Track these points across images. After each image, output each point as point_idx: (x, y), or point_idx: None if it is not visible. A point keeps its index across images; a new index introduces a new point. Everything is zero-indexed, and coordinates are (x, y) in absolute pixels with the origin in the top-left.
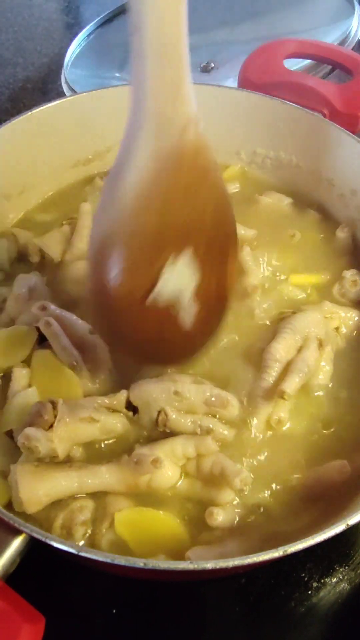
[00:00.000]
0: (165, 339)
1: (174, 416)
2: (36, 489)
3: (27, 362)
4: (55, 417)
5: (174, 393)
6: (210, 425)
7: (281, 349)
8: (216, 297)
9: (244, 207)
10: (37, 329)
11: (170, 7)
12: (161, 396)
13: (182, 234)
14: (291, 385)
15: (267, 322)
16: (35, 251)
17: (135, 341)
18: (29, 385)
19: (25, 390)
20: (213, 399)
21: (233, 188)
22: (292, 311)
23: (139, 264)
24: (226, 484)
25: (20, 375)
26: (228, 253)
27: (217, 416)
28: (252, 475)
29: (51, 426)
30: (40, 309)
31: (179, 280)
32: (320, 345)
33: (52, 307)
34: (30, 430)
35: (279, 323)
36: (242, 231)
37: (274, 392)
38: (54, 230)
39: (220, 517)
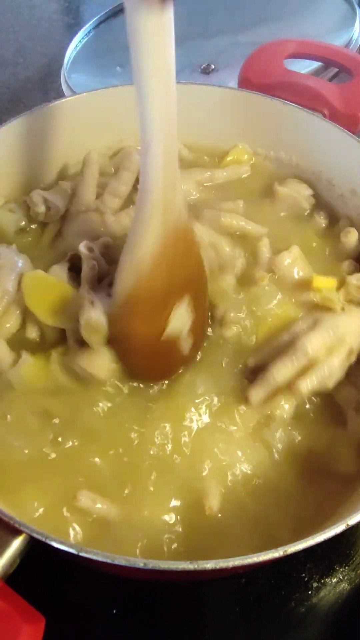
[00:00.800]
0: (170, 362)
1: None
2: None
3: None
4: None
5: None
6: None
7: (316, 344)
8: (201, 327)
9: (257, 197)
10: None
11: (172, 124)
12: None
13: (182, 287)
14: (309, 385)
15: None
16: (40, 200)
17: (149, 366)
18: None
19: None
20: None
21: (243, 172)
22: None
23: (155, 313)
24: None
25: None
26: (205, 294)
27: None
28: None
29: None
30: (87, 249)
31: (181, 320)
32: (351, 353)
33: (96, 251)
34: None
35: (313, 312)
36: (248, 227)
37: (285, 385)
38: (54, 188)
39: None
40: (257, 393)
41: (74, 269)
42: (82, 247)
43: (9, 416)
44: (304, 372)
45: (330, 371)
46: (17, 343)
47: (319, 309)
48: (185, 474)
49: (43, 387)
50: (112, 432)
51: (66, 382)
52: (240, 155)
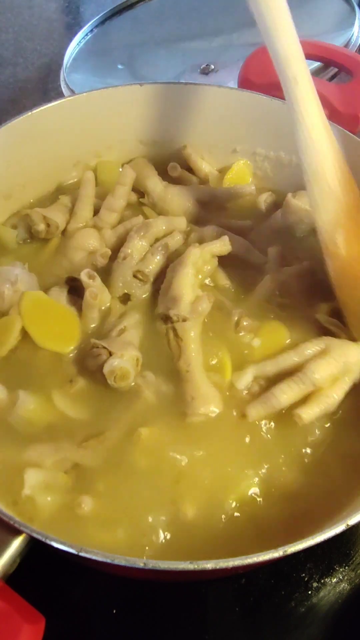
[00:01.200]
0: None
1: None
2: None
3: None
4: None
5: None
6: None
7: (324, 373)
8: None
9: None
10: (69, 287)
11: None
12: None
13: None
14: (311, 414)
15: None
16: (39, 219)
17: None
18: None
19: None
20: None
21: (248, 190)
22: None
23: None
24: None
25: None
26: None
27: None
28: None
29: None
30: (88, 277)
31: None
32: (353, 386)
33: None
34: None
35: (324, 337)
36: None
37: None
38: (55, 204)
39: None
40: (257, 412)
41: (73, 290)
42: (84, 276)
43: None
44: (306, 397)
45: (334, 402)
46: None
47: (330, 333)
48: None
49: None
50: None
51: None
52: (242, 171)
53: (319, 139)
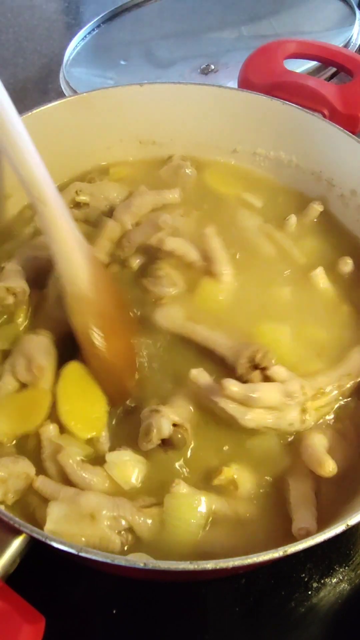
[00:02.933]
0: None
1: None
2: None
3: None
4: None
5: None
6: None
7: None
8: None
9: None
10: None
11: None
12: None
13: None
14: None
15: None
16: (3, 292)
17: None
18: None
19: None
20: None
21: (257, 203)
22: None
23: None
24: None
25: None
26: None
27: None
28: None
29: None
30: None
31: None
32: None
33: None
34: None
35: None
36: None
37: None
38: (5, 271)
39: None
40: (234, 387)
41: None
42: None
43: None
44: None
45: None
46: None
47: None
48: None
49: None
50: None
51: None
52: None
53: (70, 250)
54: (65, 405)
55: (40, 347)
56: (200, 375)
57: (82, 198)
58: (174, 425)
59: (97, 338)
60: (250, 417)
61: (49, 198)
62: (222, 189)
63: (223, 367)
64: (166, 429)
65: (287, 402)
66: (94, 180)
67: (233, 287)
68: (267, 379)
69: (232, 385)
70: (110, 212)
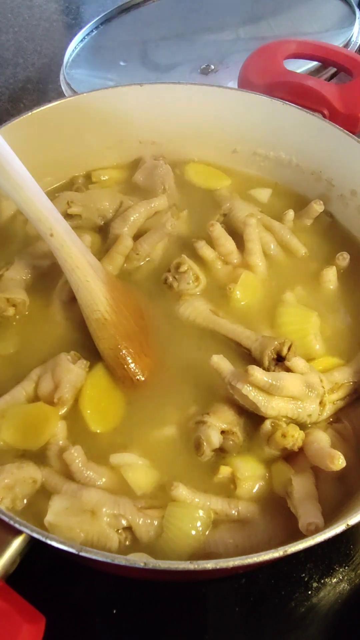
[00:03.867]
0: None
1: None
2: None
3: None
4: None
5: None
6: None
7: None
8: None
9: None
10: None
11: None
12: None
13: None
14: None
15: None
16: (3, 303)
17: None
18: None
19: None
20: None
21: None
22: None
23: None
24: None
25: None
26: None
27: None
28: None
29: None
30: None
31: None
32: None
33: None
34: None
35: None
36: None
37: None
38: (13, 280)
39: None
40: (260, 374)
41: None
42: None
43: None
44: None
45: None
46: None
47: None
48: None
49: None
50: None
51: None
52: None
53: (84, 277)
54: (91, 390)
55: (71, 377)
56: (222, 362)
57: (75, 210)
58: (222, 432)
59: (126, 361)
60: (273, 405)
61: (59, 231)
62: (206, 184)
63: (246, 361)
64: (216, 440)
65: (308, 394)
66: (81, 190)
67: (264, 279)
68: (287, 370)
69: (258, 372)
70: (102, 221)
